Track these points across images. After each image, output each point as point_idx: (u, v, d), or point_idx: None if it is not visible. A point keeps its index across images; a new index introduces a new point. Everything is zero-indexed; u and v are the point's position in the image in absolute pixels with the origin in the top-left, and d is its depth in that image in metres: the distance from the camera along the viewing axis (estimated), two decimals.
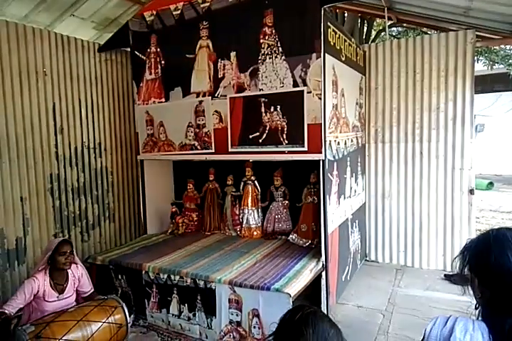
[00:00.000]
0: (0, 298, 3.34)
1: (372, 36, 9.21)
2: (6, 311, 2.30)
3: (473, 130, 4.18)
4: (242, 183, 4.11)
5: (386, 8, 4.65)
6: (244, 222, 4.08)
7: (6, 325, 2.13)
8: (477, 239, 1.16)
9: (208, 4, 3.55)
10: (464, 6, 3.75)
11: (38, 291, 2.48)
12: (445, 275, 4.11)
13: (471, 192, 4.18)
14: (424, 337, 1.12)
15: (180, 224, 4.23)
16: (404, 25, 8.08)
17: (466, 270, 1.14)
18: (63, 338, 2.17)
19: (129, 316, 2.59)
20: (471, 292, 1.15)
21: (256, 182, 4.07)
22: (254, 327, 2.77)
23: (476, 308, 1.12)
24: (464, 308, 3.11)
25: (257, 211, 4.10)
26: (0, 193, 3.34)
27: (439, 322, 1.11)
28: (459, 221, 4.25)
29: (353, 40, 3.99)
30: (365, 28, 8.74)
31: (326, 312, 3.14)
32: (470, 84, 4.10)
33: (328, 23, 3.16)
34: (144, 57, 4.00)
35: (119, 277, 3.38)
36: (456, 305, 3.30)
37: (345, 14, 7.85)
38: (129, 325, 2.58)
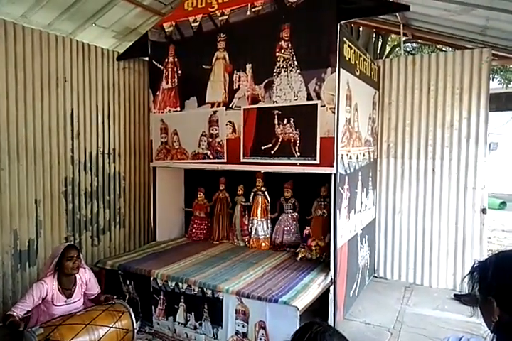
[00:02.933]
0: (10, 298, 3.39)
1: (387, 51, 9.27)
2: (14, 313, 2.33)
3: (487, 148, 4.15)
4: (253, 194, 4.13)
5: (402, 25, 4.70)
6: (253, 233, 4.09)
7: (13, 328, 2.16)
8: (495, 259, 1.12)
9: (226, 17, 3.64)
10: (481, 25, 3.77)
11: (46, 295, 2.51)
12: (455, 295, 4.04)
13: (484, 211, 4.13)
14: None
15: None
16: (420, 41, 8.12)
17: (475, 291, 1.11)
18: None
19: (136, 322, 2.60)
20: (480, 314, 1.12)
21: (266, 193, 4.09)
22: (261, 339, 2.75)
23: (491, 332, 1.08)
24: (474, 330, 3.05)
25: (266, 222, 4.10)
26: (15, 195, 3.41)
27: None
28: (470, 240, 4.18)
29: (367, 55, 4.03)
30: (380, 43, 8.81)
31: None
32: (485, 103, 4.09)
33: (344, 39, 3.20)
34: (162, 67, 4.09)
35: (128, 283, 3.40)
36: (465, 326, 3.24)
37: (360, 29, 7.93)
38: (136, 330, 2.58)
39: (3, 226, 3.34)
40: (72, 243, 3.22)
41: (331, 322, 3.12)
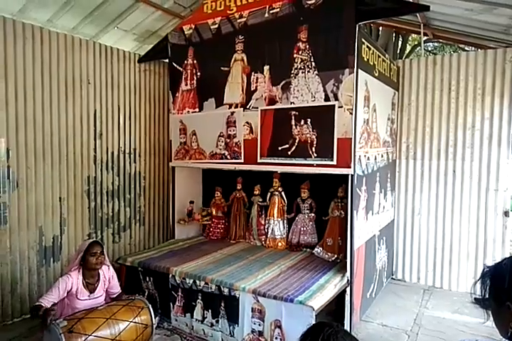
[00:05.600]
0: (36, 292, 3.52)
1: (407, 51, 9.14)
2: (43, 304, 2.43)
3: (510, 150, 4.05)
4: (269, 194, 4.16)
5: (422, 25, 4.64)
6: (270, 233, 4.11)
7: (46, 316, 2.27)
8: (511, 264, 1.09)
9: (244, 19, 3.68)
10: (505, 24, 3.69)
11: (71, 288, 2.60)
12: (475, 298, 3.94)
13: (506, 214, 4.03)
14: None
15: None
16: (441, 40, 7.98)
17: (487, 296, 1.09)
18: (93, 334, 2.27)
19: (155, 318, 2.66)
20: (493, 319, 1.09)
21: (283, 193, 4.11)
22: (276, 338, 2.77)
23: (507, 338, 1.06)
24: (494, 334, 2.98)
25: (283, 222, 4.12)
26: (41, 193, 3.55)
27: None
28: (492, 243, 4.10)
29: (387, 55, 4.00)
30: (400, 43, 8.69)
31: (349, 328, 3.10)
32: (508, 103, 3.99)
33: (363, 39, 3.19)
34: (181, 69, 4.17)
35: (147, 279, 3.48)
36: (484, 331, 3.17)
37: (380, 28, 7.85)
38: (154, 326, 2.65)
39: (30, 223, 3.48)
40: (97, 239, 3.32)
41: (347, 323, 3.12)
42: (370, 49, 3.38)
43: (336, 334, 1.08)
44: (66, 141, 3.76)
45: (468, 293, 4.14)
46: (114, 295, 2.91)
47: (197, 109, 4.06)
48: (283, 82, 3.44)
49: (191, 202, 4.53)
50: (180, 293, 3.28)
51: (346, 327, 3.11)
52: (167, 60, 4.40)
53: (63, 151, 3.73)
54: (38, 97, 3.52)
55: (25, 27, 3.42)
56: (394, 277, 4.61)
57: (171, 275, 3.31)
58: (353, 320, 3.19)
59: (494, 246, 4.09)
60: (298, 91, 3.37)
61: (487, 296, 1.10)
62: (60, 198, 3.71)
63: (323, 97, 3.23)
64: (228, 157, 3.85)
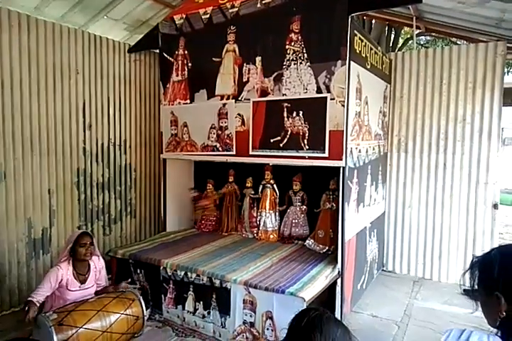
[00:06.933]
0: (25, 284, 3.49)
1: (400, 44, 9.13)
2: (34, 299, 2.40)
3: (500, 143, 4.09)
4: (261, 186, 4.15)
5: (415, 18, 4.62)
6: (261, 225, 4.12)
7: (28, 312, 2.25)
8: (500, 254, 1.10)
9: (236, 9, 3.63)
10: (497, 17, 3.70)
11: (61, 280, 2.58)
12: (465, 290, 4.01)
13: (495, 206, 4.09)
14: None
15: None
16: (433, 34, 7.98)
17: (476, 287, 1.10)
18: (84, 326, 2.26)
19: (146, 310, 2.66)
20: (481, 309, 1.11)
21: (275, 185, 4.11)
22: (268, 329, 2.79)
23: (496, 327, 1.08)
24: (483, 325, 3.03)
25: (275, 214, 4.12)
26: (29, 185, 3.49)
27: (454, 335, 1.10)
28: (481, 235, 4.15)
29: (379, 48, 3.99)
30: (392, 36, 8.67)
31: (340, 319, 3.12)
32: (498, 97, 4.01)
33: (355, 31, 3.17)
34: (172, 59, 4.10)
35: (138, 271, 3.47)
36: (474, 321, 3.21)
37: (373, 21, 7.82)
38: (146, 318, 2.64)
39: (18, 215, 3.43)
40: (86, 230, 3.29)
41: (338, 314, 3.15)
42: (362, 41, 3.37)
43: (320, 317, 1.12)
44: (55, 132, 3.70)
45: (457, 284, 4.20)
46: (100, 288, 2.89)
47: (188, 101, 4.01)
48: (275, 74, 3.41)
49: (193, 189, 4.52)
50: (171, 285, 3.27)
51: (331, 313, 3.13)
52: (157, 51, 4.33)
53: (52, 142, 3.67)
54: (25, 87, 3.45)
55: (11, 14, 3.33)
56: (384, 269, 4.66)
57: (162, 268, 3.30)
58: (344, 311, 3.22)
59: (483, 238, 4.14)
60: (290, 83, 3.35)
61: (476, 286, 1.11)
62: (49, 190, 3.66)
63: (316, 89, 3.21)
64: (220, 149, 3.83)
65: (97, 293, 2.84)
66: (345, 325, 1.12)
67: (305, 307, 2.60)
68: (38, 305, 2.41)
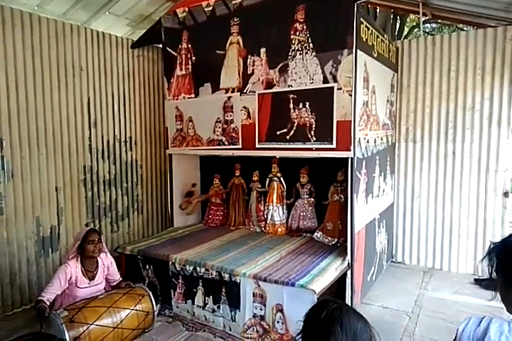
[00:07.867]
0: (35, 282, 3.52)
1: (405, 33, 8.98)
2: (44, 298, 2.41)
3: (510, 130, 4.01)
4: (268, 179, 4.12)
5: (421, 4, 4.52)
6: (269, 218, 4.10)
7: (41, 313, 2.26)
8: None
9: (239, 0, 3.57)
10: (506, 1, 3.59)
11: (70, 277, 2.58)
12: (475, 279, 3.98)
13: (506, 195, 4.02)
14: (456, 337, 1.09)
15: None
16: (439, 21, 7.83)
17: (494, 274, 1.07)
18: (95, 323, 2.26)
19: (156, 305, 2.66)
20: (500, 297, 1.09)
21: (282, 178, 4.08)
22: (278, 321, 2.78)
23: None
24: (494, 313, 2.99)
25: (282, 208, 4.10)
26: (37, 183, 3.50)
27: (473, 323, 1.07)
28: (491, 224, 4.10)
29: (385, 36, 3.91)
30: (398, 24, 8.53)
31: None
32: (508, 83, 3.93)
33: (361, 19, 3.10)
34: (176, 53, 4.06)
35: (147, 267, 3.47)
36: (485, 310, 3.18)
37: (378, 10, 7.68)
38: (156, 313, 2.64)
39: (26, 213, 3.44)
40: (94, 227, 3.29)
41: None
42: (369, 29, 3.30)
43: (340, 309, 1.08)
44: (60, 130, 3.69)
45: (467, 274, 4.17)
46: (115, 283, 2.90)
47: (193, 95, 3.98)
48: (280, 65, 3.36)
49: (194, 185, 4.52)
50: (180, 280, 3.27)
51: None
52: (161, 45, 4.29)
53: (58, 140, 3.67)
54: (30, 85, 3.44)
55: (14, 13, 3.31)
56: (394, 260, 4.63)
57: (170, 263, 3.30)
58: (354, 302, 3.20)
59: (494, 227, 4.09)
60: (296, 73, 3.29)
61: (494, 273, 1.08)
62: (56, 188, 3.66)
63: (322, 79, 3.16)
64: (226, 143, 3.80)
65: (113, 287, 2.85)
66: (365, 318, 1.09)
67: (315, 299, 2.58)
68: (49, 303, 2.42)
